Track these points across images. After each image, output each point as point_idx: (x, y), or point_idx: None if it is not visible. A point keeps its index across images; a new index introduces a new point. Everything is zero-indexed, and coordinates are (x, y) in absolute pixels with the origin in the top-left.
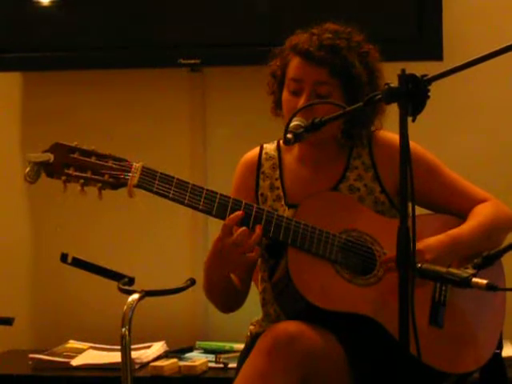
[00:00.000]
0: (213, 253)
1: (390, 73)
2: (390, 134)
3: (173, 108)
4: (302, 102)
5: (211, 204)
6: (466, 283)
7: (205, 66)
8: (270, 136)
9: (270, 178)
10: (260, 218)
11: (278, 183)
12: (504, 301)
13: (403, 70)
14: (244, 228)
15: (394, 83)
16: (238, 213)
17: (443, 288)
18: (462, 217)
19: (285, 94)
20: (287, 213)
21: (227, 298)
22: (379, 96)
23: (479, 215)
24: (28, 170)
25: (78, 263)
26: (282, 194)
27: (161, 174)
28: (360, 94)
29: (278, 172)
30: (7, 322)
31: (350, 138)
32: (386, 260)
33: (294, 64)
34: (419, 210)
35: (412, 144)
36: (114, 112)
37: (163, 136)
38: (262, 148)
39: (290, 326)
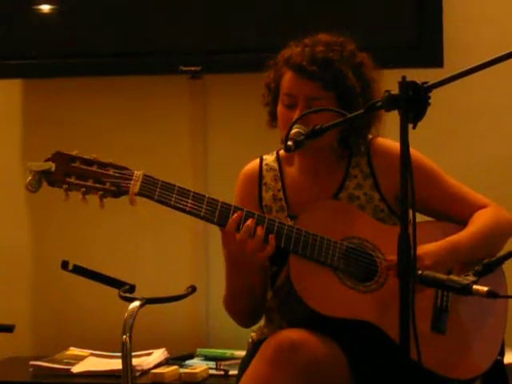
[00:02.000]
0: (227, 265)
1: (391, 80)
2: (388, 141)
3: (173, 115)
4: (296, 116)
5: (213, 212)
6: (467, 290)
7: (205, 72)
8: (270, 143)
9: (272, 189)
10: (261, 226)
11: (280, 194)
12: (506, 307)
13: (404, 77)
14: (247, 224)
15: (395, 90)
16: (235, 216)
17: (445, 294)
18: (462, 223)
19: (280, 108)
20: (290, 223)
21: (249, 309)
22: (380, 103)
23: (479, 221)
24: (30, 179)
25: (79, 270)
26: (285, 205)
27: (162, 182)
28: (354, 106)
29: (280, 183)
30: (8, 329)
31: (347, 147)
32: (390, 265)
33: (287, 78)
34: (420, 217)
35: (411, 151)
36: (115, 119)
37: (163, 143)
38: (261, 159)
39: (293, 334)
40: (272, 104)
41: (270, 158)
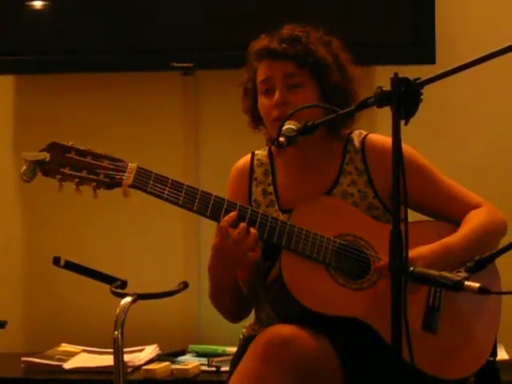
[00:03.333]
0: (214, 258)
1: (383, 76)
2: (383, 137)
3: (166, 111)
4: (276, 96)
5: (205, 205)
6: (458, 287)
7: (197, 69)
8: (263, 140)
9: (262, 183)
10: (254, 221)
11: (270, 188)
12: (499, 307)
13: (396, 74)
14: (243, 224)
15: (387, 86)
16: (232, 213)
17: (437, 293)
18: (455, 222)
19: (260, 99)
20: (281, 218)
21: (236, 304)
22: (372, 99)
23: (472, 222)
24: (24, 168)
25: (71, 266)
26: (274, 198)
27: (156, 174)
28: (330, 79)
29: (270, 178)
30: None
31: (333, 130)
32: (380, 267)
33: (261, 68)
34: (416, 216)
35: (406, 148)
36: (107, 115)
37: (156, 140)
38: (253, 155)
39: (284, 330)
40: (253, 106)
41: (261, 153)
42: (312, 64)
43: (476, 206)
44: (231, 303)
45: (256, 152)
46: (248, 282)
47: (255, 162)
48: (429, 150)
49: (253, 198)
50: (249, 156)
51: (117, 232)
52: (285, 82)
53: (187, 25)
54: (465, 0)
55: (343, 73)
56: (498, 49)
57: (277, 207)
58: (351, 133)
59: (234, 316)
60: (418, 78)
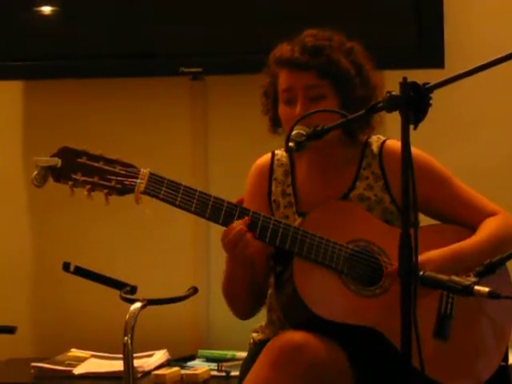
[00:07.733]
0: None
1: (392, 81)
2: (399, 143)
3: (174, 116)
4: (298, 109)
5: (218, 212)
6: (468, 291)
7: (206, 74)
8: (272, 145)
9: (282, 184)
10: (267, 227)
11: (289, 190)
12: (511, 312)
13: (405, 78)
14: (240, 226)
15: (396, 91)
16: (246, 218)
17: (449, 300)
18: (471, 229)
19: (281, 107)
20: (298, 220)
21: (247, 296)
22: (381, 104)
23: (487, 229)
24: (35, 173)
25: (81, 272)
26: (293, 200)
27: (168, 180)
28: (352, 90)
29: (290, 178)
30: (9, 330)
31: (352, 136)
32: (391, 272)
33: (283, 76)
34: (428, 221)
35: (420, 153)
36: (116, 121)
37: (165, 145)
38: (273, 154)
39: (296, 336)
40: (273, 110)
41: (281, 154)
42: (334, 75)
43: (492, 214)
44: (242, 295)
45: (276, 152)
46: (262, 273)
47: (275, 162)
48: (439, 153)
49: (273, 198)
50: (269, 155)
51: (126, 237)
52: (306, 93)
53: (196, 30)
54: (473, 4)
55: (366, 83)
56: (507, 53)
57: (294, 209)
58: (370, 138)
59: (244, 311)
60: (427, 83)
